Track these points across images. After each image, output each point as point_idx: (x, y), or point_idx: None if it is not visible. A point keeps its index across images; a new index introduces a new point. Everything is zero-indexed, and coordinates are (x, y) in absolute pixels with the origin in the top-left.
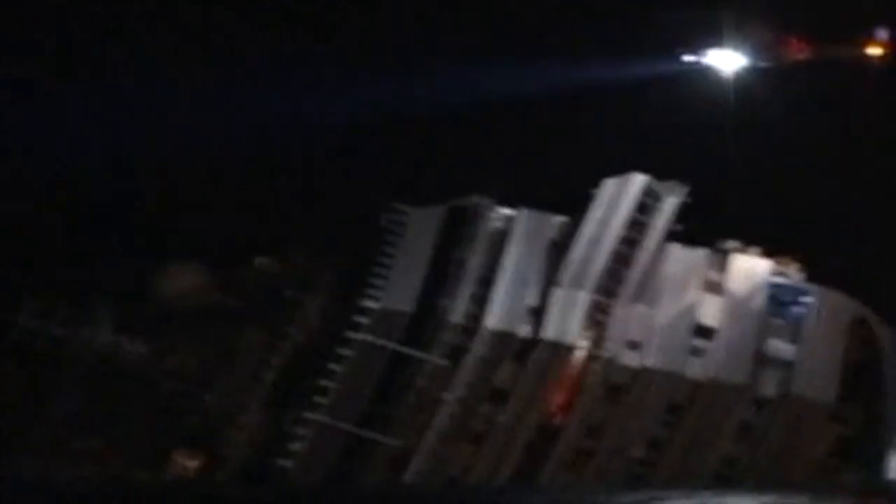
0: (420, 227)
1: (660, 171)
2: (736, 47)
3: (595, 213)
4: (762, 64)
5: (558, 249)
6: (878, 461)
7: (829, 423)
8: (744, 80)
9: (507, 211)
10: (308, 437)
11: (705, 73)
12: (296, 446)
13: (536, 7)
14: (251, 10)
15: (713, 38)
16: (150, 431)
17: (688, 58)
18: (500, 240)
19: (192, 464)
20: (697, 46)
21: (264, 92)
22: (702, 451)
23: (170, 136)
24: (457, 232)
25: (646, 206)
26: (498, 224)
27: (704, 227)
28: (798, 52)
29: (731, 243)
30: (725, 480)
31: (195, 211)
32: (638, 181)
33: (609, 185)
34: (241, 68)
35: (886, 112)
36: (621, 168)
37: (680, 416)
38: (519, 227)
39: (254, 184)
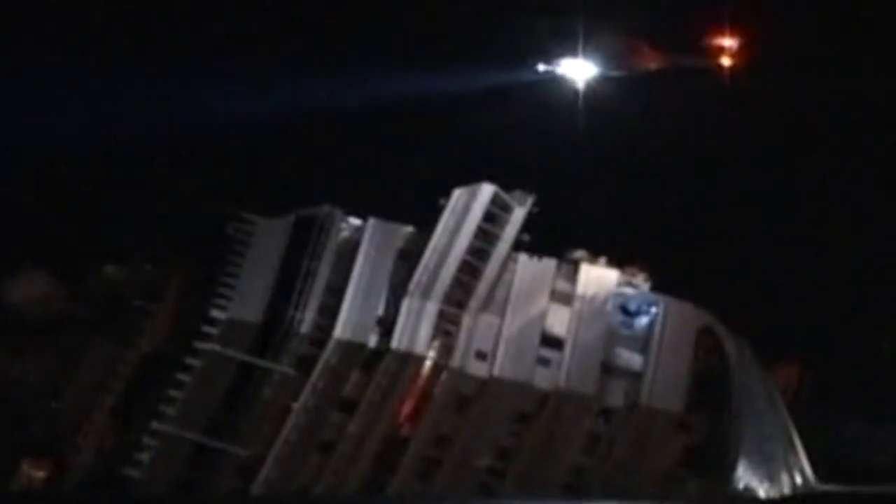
0: (268, 237)
1: (511, 181)
2: (589, 56)
3: (444, 223)
4: (614, 73)
5: (408, 260)
6: (725, 471)
7: (675, 433)
8: (595, 89)
9: (356, 221)
10: (155, 446)
11: (558, 83)
12: (143, 455)
13: (391, 17)
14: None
15: (567, 47)
16: None
17: (541, 67)
18: (349, 250)
19: (39, 473)
20: (551, 56)
21: (111, 100)
22: (550, 461)
23: (14, 141)
24: (305, 242)
25: (494, 217)
26: (347, 234)
27: (553, 237)
28: (650, 61)
29: (579, 253)
30: (573, 490)
31: (41, 219)
32: (486, 191)
33: (458, 196)
34: (86, 73)
35: (733, 121)
36: (472, 178)
37: (528, 425)
38: (368, 238)
39: (101, 192)
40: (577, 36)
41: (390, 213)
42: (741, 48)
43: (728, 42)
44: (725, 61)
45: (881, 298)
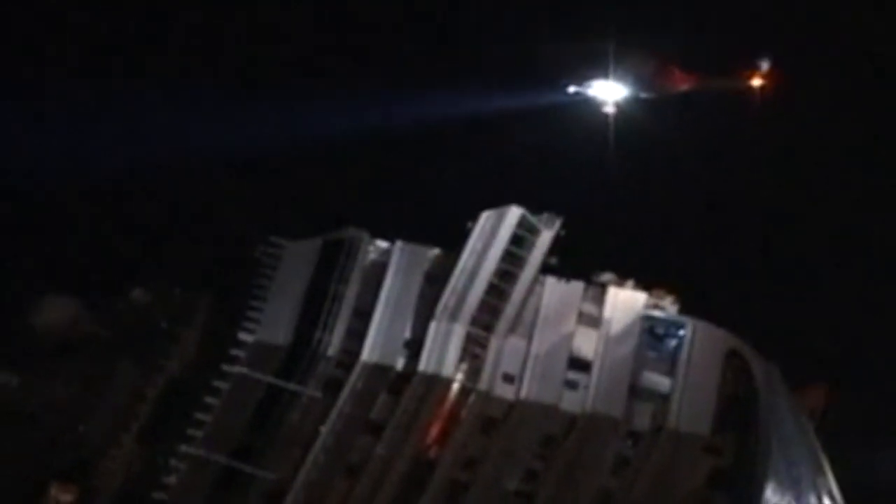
0: (296, 260)
1: (540, 203)
2: (619, 79)
3: (472, 245)
4: (645, 95)
5: (435, 282)
6: (752, 494)
7: (703, 456)
8: (626, 111)
9: (383, 243)
10: (183, 469)
11: (588, 105)
12: (170, 479)
13: (423, 38)
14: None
15: (598, 69)
16: (23, 465)
17: (572, 89)
18: (376, 273)
19: (67, 497)
20: (582, 78)
21: (140, 123)
22: (578, 484)
23: (40, 163)
24: (333, 265)
25: (522, 239)
26: (374, 257)
27: (580, 260)
28: (681, 83)
29: (606, 276)
30: None
31: (68, 242)
32: (514, 214)
33: (486, 218)
34: (107, 97)
35: (766, 144)
36: (501, 200)
37: (556, 448)
38: (395, 260)
39: (130, 215)
40: (607, 58)
41: (418, 235)
42: (773, 70)
43: (760, 64)
44: (757, 83)
45: None
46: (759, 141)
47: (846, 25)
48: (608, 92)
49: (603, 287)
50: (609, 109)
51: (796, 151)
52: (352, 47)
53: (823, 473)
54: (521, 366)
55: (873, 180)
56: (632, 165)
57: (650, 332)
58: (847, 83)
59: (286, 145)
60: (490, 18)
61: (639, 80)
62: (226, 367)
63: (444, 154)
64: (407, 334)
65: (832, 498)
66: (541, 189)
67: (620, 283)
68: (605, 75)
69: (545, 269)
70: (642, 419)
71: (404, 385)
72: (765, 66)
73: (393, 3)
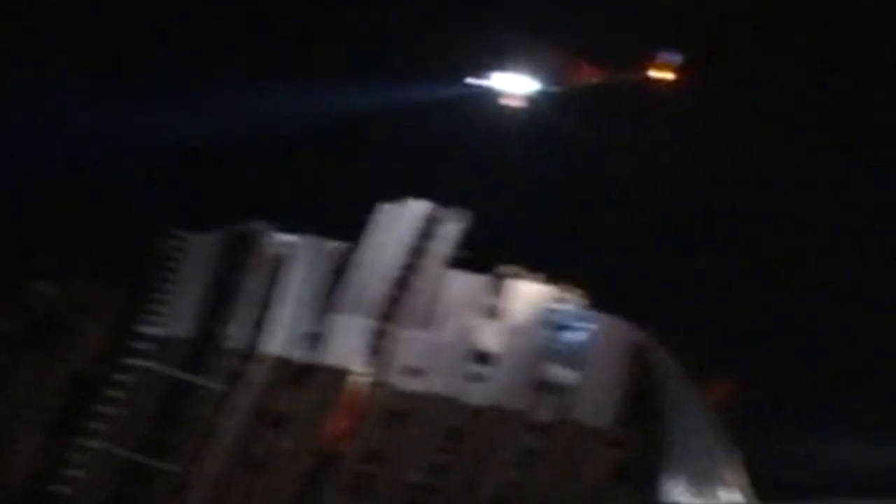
0: (200, 253)
1: (445, 196)
2: (525, 71)
3: (375, 238)
4: (550, 88)
5: (339, 275)
6: (657, 486)
7: (607, 449)
8: (532, 104)
9: (286, 236)
10: (87, 463)
11: (491, 98)
12: (75, 473)
13: (313, 27)
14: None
15: (503, 61)
16: None
17: (474, 81)
18: (280, 265)
19: None
20: (484, 70)
21: (41, 114)
22: (483, 477)
23: None
24: (236, 257)
25: (426, 232)
26: (277, 249)
27: (487, 254)
28: (588, 76)
29: (512, 269)
30: None
31: None
32: (418, 207)
33: (389, 211)
34: (18, 90)
35: (674, 137)
36: (406, 193)
37: (460, 441)
38: (298, 253)
39: (30, 205)
40: (513, 50)
41: (321, 228)
42: (684, 63)
43: (671, 57)
44: (667, 76)
45: (820, 312)
46: (668, 135)
47: (755, 18)
48: (514, 85)
49: (508, 280)
50: (514, 102)
51: (704, 145)
52: (254, 38)
53: (728, 466)
54: (425, 359)
55: (780, 172)
56: (538, 159)
57: (555, 325)
58: (757, 76)
59: (190, 137)
60: (393, 8)
61: (545, 73)
62: (130, 361)
63: (347, 146)
64: (310, 327)
65: (738, 491)
66: (447, 182)
67: (525, 276)
68: (511, 68)
69: (449, 261)
70: (546, 412)
71: (308, 378)
72: (675, 59)
73: None
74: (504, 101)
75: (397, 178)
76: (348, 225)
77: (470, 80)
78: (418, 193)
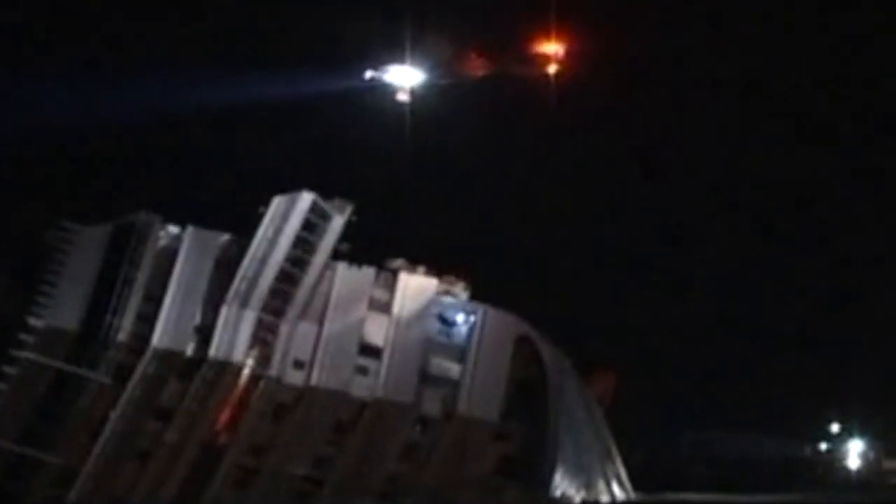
0: (87, 245)
1: (333, 189)
2: (416, 64)
3: (263, 231)
4: (441, 80)
5: (226, 268)
6: (542, 479)
7: (493, 442)
8: (421, 96)
9: (174, 228)
10: None
11: (384, 90)
12: None
13: (213, 21)
14: None
15: (395, 54)
16: None
17: (368, 74)
18: (167, 258)
19: None
20: (379, 63)
21: None
22: (367, 469)
23: None
24: (124, 249)
25: (313, 225)
26: (165, 242)
27: (372, 246)
28: (478, 68)
29: (397, 262)
30: (390, 498)
31: None
32: (305, 200)
33: (278, 204)
34: None
35: (557, 128)
36: (293, 186)
37: (346, 434)
38: (187, 245)
39: None
40: (404, 42)
41: (209, 220)
42: (567, 56)
43: (554, 50)
44: (551, 69)
45: (703, 306)
46: (553, 127)
47: (640, 13)
48: (405, 77)
49: (394, 273)
50: (404, 95)
51: (587, 138)
52: (154, 30)
53: (612, 459)
54: (311, 352)
55: (662, 169)
56: (425, 152)
57: (441, 318)
58: (639, 72)
59: (80, 129)
60: (297, 2)
61: (435, 65)
62: (14, 352)
63: (237, 139)
64: (197, 320)
65: (620, 483)
66: (334, 175)
67: (411, 269)
68: (402, 60)
69: (336, 254)
70: (432, 405)
71: (194, 371)
72: (560, 52)
73: None
74: (396, 94)
75: (290, 171)
76: (239, 218)
77: (366, 74)
78: (310, 186)
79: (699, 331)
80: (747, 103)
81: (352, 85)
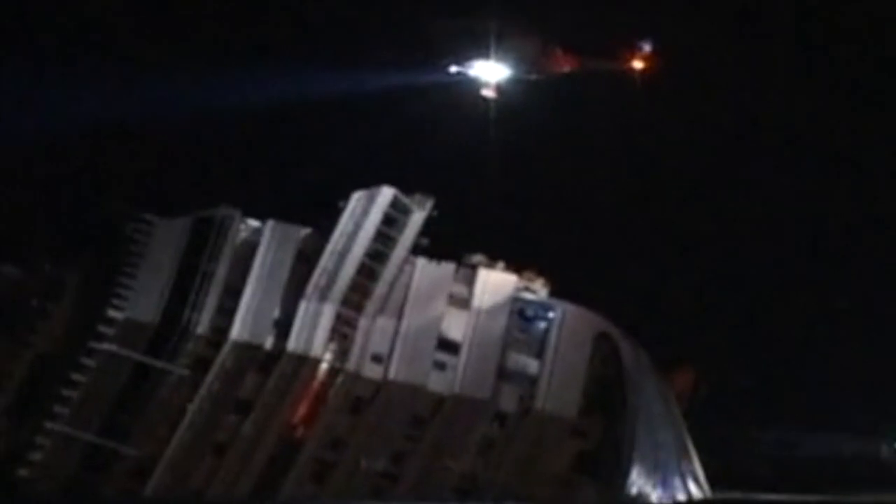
0: (167, 238)
1: (416, 184)
2: (502, 59)
3: (343, 225)
4: (527, 76)
5: (306, 262)
6: (618, 476)
7: (570, 438)
8: (506, 91)
9: (255, 222)
10: (48, 446)
11: (469, 85)
12: (36, 455)
13: (301, 15)
14: None
15: (480, 49)
16: None
17: (453, 69)
18: (247, 251)
19: None
20: (464, 58)
21: (6, 96)
22: (444, 465)
23: None
24: (204, 243)
25: (393, 220)
26: (245, 235)
27: (452, 241)
28: (563, 64)
29: (477, 258)
30: (466, 494)
31: None
32: (386, 194)
33: (358, 198)
34: None
35: (643, 125)
36: (376, 180)
37: (423, 429)
38: (267, 239)
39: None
40: (490, 38)
41: (290, 214)
42: (654, 52)
43: (642, 46)
44: (637, 65)
45: (784, 306)
46: (639, 123)
47: (726, 9)
48: (490, 72)
49: (473, 269)
50: (489, 91)
51: (674, 134)
52: (231, 21)
53: (689, 457)
54: (389, 346)
55: (749, 164)
56: (509, 147)
57: (520, 314)
58: (726, 67)
59: (162, 122)
60: None
61: (521, 61)
62: (94, 344)
63: (319, 133)
64: (276, 313)
65: (697, 481)
66: (416, 170)
67: (491, 264)
68: (487, 55)
69: (416, 249)
70: (510, 401)
71: (273, 364)
72: (646, 48)
73: None
74: (480, 90)
75: (371, 165)
76: (319, 212)
77: (451, 68)
78: (391, 180)
79: (778, 328)
80: (835, 97)
81: (436, 80)
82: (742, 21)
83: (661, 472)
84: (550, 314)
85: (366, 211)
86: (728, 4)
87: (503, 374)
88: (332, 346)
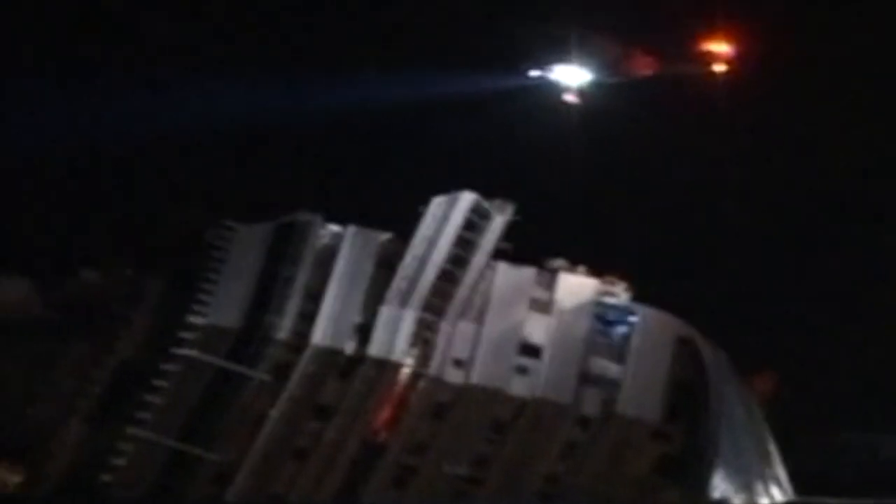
0: (248, 243)
1: (496, 188)
2: (582, 63)
3: (424, 230)
4: (608, 79)
5: (387, 267)
6: (701, 481)
7: (652, 442)
8: (588, 95)
9: (335, 227)
10: (131, 451)
11: (549, 88)
12: (118, 461)
13: (379, 21)
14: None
15: (561, 53)
16: None
17: (533, 72)
18: (328, 256)
19: (14, 478)
20: (544, 61)
21: (88, 103)
22: (526, 469)
23: None
24: (284, 248)
25: (474, 225)
26: (326, 241)
27: (533, 245)
28: (644, 67)
29: (558, 262)
30: (549, 498)
31: (19, 224)
32: (466, 199)
33: (438, 203)
34: (60, 80)
35: (725, 128)
36: (457, 185)
37: (505, 433)
38: (347, 244)
39: (80, 196)
40: (570, 41)
41: (370, 219)
42: (736, 54)
43: (723, 48)
44: (720, 67)
45: (865, 308)
46: (721, 126)
47: (808, 10)
48: (571, 76)
49: (554, 273)
50: (571, 95)
51: (757, 137)
52: (310, 29)
53: (771, 461)
54: (471, 351)
55: (831, 166)
56: (589, 151)
57: (601, 318)
58: (809, 69)
59: (240, 128)
60: (452, 1)
61: (602, 64)
62: (176, 350)
63: (399, 138)
64: (358, 318)
65: (780, 486)
66: (497, 174)
67: (572, 269)
68: (568, 59)
69: (497, 254)
70: (591, 405)
71: (354, 369)
72: (727, 50)
73: None
74: (561, 94)
75: (452, 169)
76: (400, 217)
77: (532, 72)
78: (471, 185)
79: (862, 328)
80: None
81: (517, 84)
82: (824, 21)
83: (744, 476)
84: (631, 318)
85: (446, 216)
86: (810, 4)
87: (585, 378)
88: (414, 350)
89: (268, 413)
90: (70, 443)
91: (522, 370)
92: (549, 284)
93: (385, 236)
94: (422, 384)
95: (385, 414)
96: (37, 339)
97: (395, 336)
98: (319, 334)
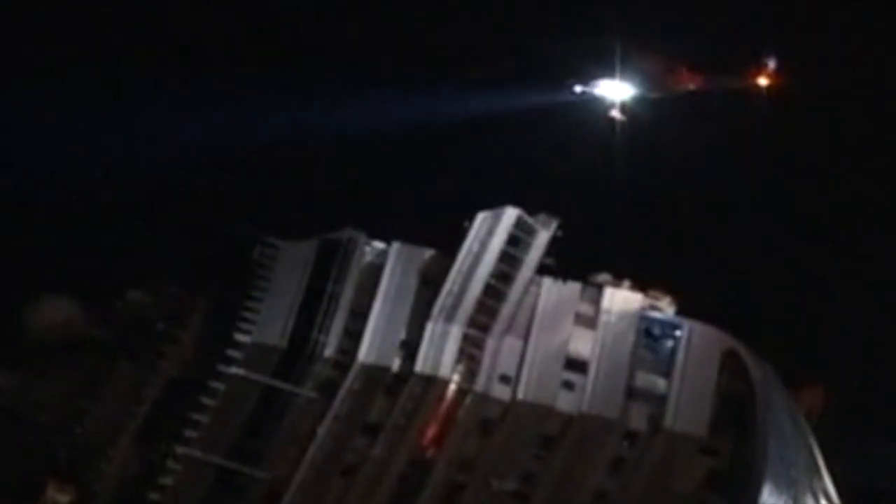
0: (293, 261)
1: (541, 203)
2: (627, 78)
3: (468, 246)
4: (652, 94)
5: (432, 283)
6: (749, 495)
7: (700, 457)
8: (632, 110)
9: (380, 244)
10: (179, 470)
11: (594, 104)
12: (167, 479)
13: (428, 37)
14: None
15: (605, 68)
16: (20, 465)
17: (578, 88)
18: (373, 274)
19: (64, 498)
20: (589, 77)
21: (132, 122)
22: (574, 485)
23: (38, 164)
24: (329, 265)
25: (518, 240)
26: (371, 258)
27: (578, 260)
28: (688, 82)
29: (603, 276)
30: None
31: (65, 243)
32: (510, 215)
33: (483, 219)
34: (106, 98)
35: (770, 143)
36: (501, 200)
37: (552, 449)
38: (392, 261)
39: (126, 215)
40: (614, 57)
41: (415, 236)
42: (779, 69)
43: (767, 63)
44: (764, 82)
45: None
46: (765, 141)
47: (851, 24)
48: (615, 91)
49: (599, 288)
50: (616, 111)
51: (801, 151)
52: (353, 45)
53: (820, 474)
54: (517, 366)
55: (878, 180)
56: (635, 165)
57: (646, 332)
58: (853, 83)
59: (284, 146)
60: (496, 17)
61: (646, 79)
62: (222, 368)
63: (443, 154)
64: (403, 335)
65: (828, 499)
66: (541, 189)
67: (617, 283)
68: (612, 74)
69: (542, 269)
70: (638, 420)
71: (401, 386)
72: (771, 64)
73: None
74: (606, 109)
75: (496, 185)
76: (444, 233)
77: (576, 88)
78: (515, 200)
79: None
80: None
81: (562, 99)
82: (869, 33)
83: (793, 490)
84: (677, 332)
85: (491, 231)
86: (855, 17)
87: (632, 392)
88: (460, 367)
89: (315, 431)
90: (119, 462)
91: (569, 385)
92: (595, 299)
93: (430, 252)
94: (468, 400)
95: (432, 431)
96: (85, 359)
97: (440, 352)
98: (365, 351)
